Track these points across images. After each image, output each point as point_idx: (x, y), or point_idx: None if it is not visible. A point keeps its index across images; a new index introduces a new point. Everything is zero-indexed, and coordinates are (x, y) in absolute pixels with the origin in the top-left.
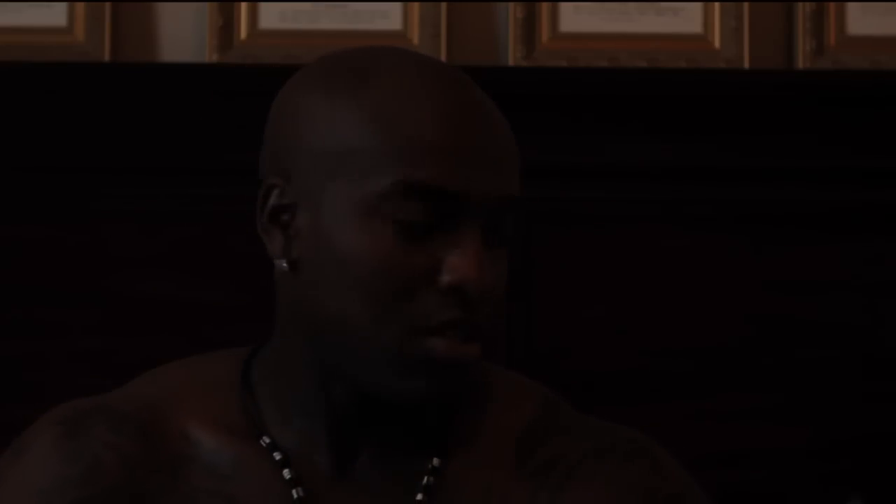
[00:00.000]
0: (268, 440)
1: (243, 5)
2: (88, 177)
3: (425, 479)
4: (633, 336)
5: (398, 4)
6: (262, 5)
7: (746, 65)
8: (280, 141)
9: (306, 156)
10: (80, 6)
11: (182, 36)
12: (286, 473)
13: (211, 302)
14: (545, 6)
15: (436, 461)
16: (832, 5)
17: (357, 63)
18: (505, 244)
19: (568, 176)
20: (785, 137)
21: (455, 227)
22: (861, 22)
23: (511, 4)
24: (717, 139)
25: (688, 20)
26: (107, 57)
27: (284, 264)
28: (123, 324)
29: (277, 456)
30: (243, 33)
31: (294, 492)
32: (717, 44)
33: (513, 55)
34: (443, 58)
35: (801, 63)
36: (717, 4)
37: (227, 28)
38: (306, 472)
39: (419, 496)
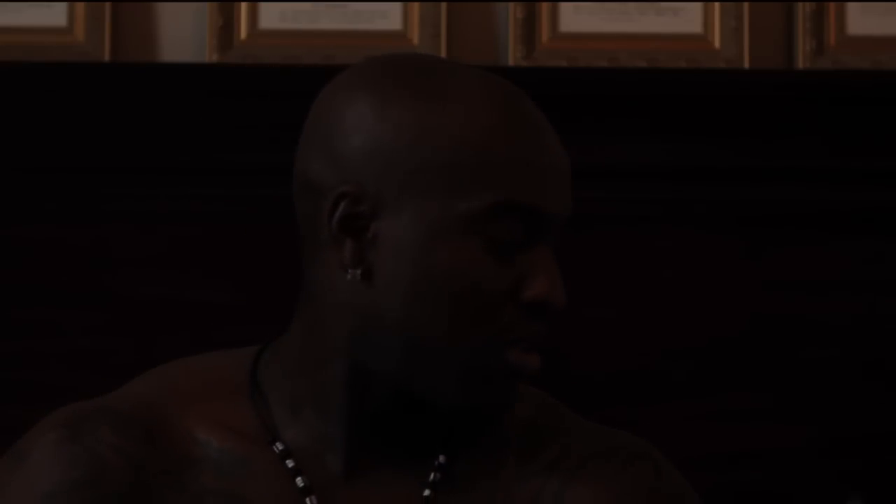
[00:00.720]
0: (281, 447)
1: (243, 5)
2: (88, 177)
3: (432, 475)
4: (634, 336)
5: (398, 4)
6: (262, 5)
7: (746, 65)
8: (348, 148)
9: (388, 166)
10: (80, 6)
11: (182, 36)
12: (300, 481)
13: (211, 302)
14: (545, 6)
15: (442, 458)
16: (832, 5)
17: (427, 74)
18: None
19: None
20: (785, 137)
21: (535, 244)
22: (861, 22)
23: (511, 4)
24: (717, 139)
25: (688, 20)
26: (107, 57)
27: (358, 273)
28: (123, 324)
29: (290, 463)
30: (243, 33)
31: (308, 500)
32: (717, 44)
33: (513, 55)
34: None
35: (801, 63)
36: (717, 4)
37: (227, 28)
38: (317, 472)
39: (426, 492)
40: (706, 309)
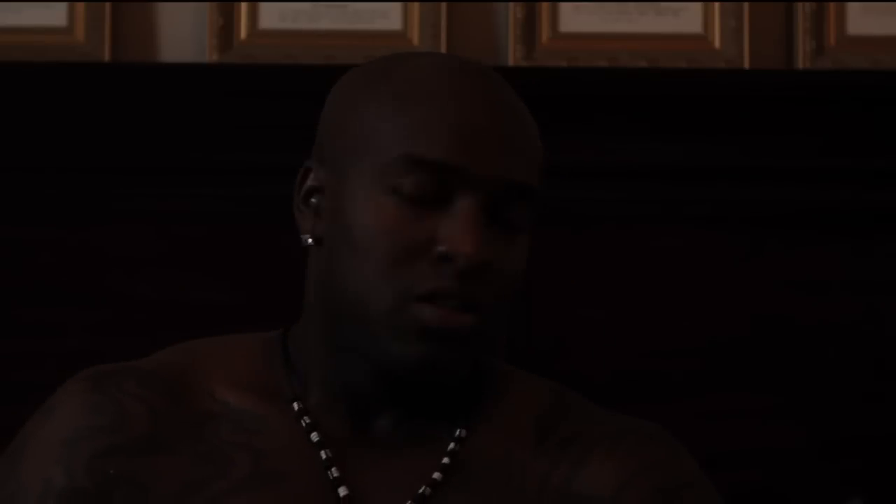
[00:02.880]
0: (299, 405)
1: (243, 5)
2: (88, 177)
3: (451, 445)
4: (633, 336)
5: (398, 4)
6: (262, 5)
7: (746, 65)
8: (320, 129)
9: (334, 140)
10: (80, 6)
11: (182, 36)
12: (314, 436)
13: (211, 302)
14: (545, 6)
15: (460, 432)
16: (832, 5)
17: (393, 60)
18: (520, 232)
19: (568, 176)
20: (785, 137)
21: (455, 202)
22: (861, 22)
23: (511, 4)
24: (717, 139)
25: (688, 20)
26: (107, 57)
27: (309, 240)
28: (123, 324)
29: (307, 420)
30: (243, 33)
31: (323, 452)
32: (717, 44)
33: (513, 55)
34: None
35: (801, 63)
36: (717, 4)
37: (227, 28)
38: (333, 431)
39: (445, 460)
40: (706, 309)
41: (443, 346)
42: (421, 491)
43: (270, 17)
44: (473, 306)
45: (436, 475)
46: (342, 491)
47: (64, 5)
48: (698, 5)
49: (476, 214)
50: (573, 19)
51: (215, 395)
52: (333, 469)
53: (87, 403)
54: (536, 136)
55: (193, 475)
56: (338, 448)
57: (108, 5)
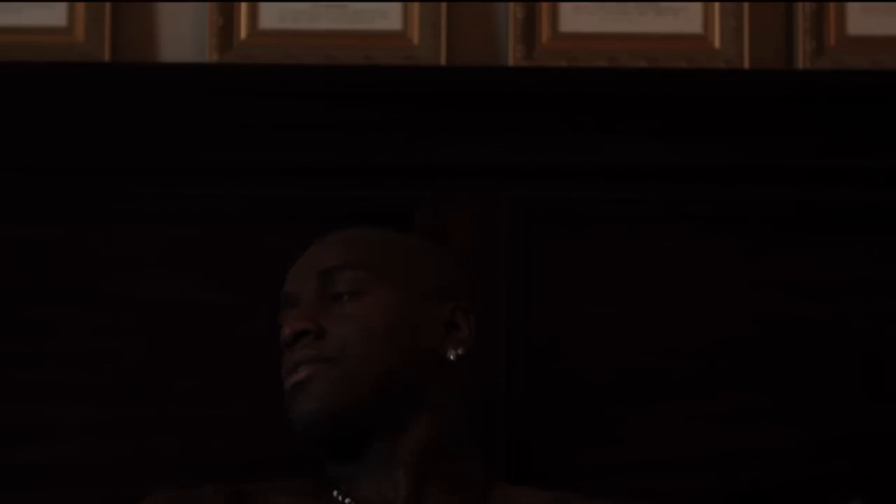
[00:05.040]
0: (337, 493)
1: (243, 5)
2: (88, 177)
3: None
4: (633, 336)
5: (398, 4)
6: (262, 5)
7: (746, 65)
8: None
9: None
10: (80, 6)
11: (182, 36)
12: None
13: (211, 302)
14: (545, 6)
15: None
16: (832, 5)
17: None
18: (357, 295)
19: (568, 176)
20: (785, 137)
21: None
22: (861, 22)
23: (511, 4)
24: (717, 139)
25: (688, 20)
26: (107, 57)
27: None
28: (123, 324)
29: (347, 501)
30: (243, 33)
31: None
32: (717, 44)
33: (513, 55)
34: (443, 58)
35: (801, 63)
36: (717, 4)
37: (227, 28)
38: None
39: None
40: (706, 309)
41: (298, 399)
42: None
43: (270, 17)
44: (313, 363)
45: None
46: None
47: (64, 5)
48: (698, 5)
49: (298, 312)
50: (573, 19)
51: (269, 499)
52: None
53: None
54: (354, 245)
55: None
56: None
57: (108, 5)
